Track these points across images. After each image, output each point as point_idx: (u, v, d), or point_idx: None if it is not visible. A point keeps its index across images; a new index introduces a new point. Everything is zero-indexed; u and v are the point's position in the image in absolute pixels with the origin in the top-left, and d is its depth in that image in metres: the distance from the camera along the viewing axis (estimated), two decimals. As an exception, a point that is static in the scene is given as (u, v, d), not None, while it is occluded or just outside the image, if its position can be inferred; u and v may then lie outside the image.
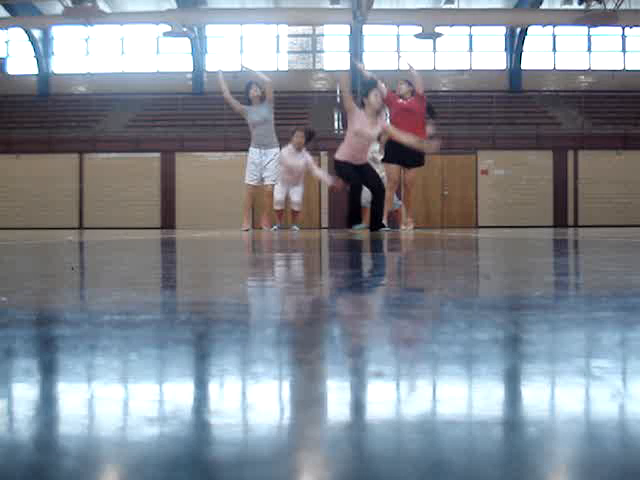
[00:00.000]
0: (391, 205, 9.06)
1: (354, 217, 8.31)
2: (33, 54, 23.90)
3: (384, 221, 8.60)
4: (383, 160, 8.95)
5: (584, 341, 0.75)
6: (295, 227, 10.56)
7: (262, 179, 9.33)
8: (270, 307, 1.13)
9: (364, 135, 7.85)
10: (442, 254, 3.01)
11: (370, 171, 8.17)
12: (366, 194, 9.57)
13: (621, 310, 0.98)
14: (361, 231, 8.04)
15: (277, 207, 10.14)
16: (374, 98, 7.81)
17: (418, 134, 8.43)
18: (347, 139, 8.06)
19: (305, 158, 9.92)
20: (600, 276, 1.67)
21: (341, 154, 8.08)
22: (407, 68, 9.05)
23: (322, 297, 1.30)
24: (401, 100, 8.77)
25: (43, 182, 19.72)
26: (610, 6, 18.71)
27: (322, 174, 10.56)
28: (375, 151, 9.51)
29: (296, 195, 10.31)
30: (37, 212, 19.59)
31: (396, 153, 8.56)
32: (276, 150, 9.37)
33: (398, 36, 23.92)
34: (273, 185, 9.47)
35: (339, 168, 8.17)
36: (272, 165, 9.32)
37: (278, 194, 9.97)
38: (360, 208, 8.45)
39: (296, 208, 10.51)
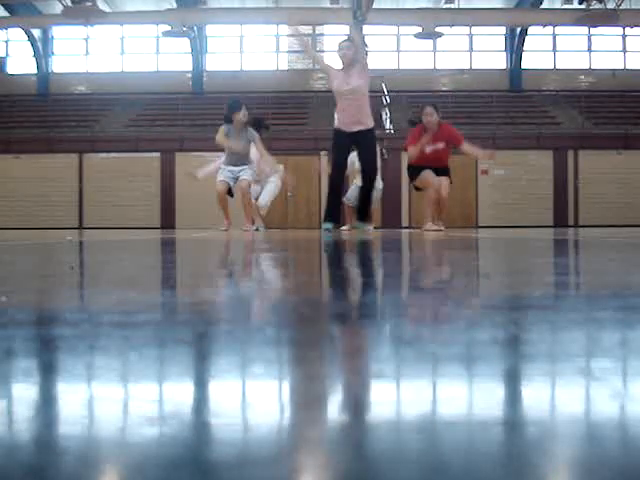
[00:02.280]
0: (431, 206, 8.69)
1: (332, 212, 7.83)
2: (33, 54, 23.91)
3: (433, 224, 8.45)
4: (412, 179, 8.69)
5: (584, 341, 0.75)
6: (260, 227, 9.64)
7: (236, 179, 8.76)
8: (270, 307, 1.13)
9: (343, 91, 7.67)
10: (442, 254, 3.01)
11: (369, 148, 7.78)
12: (353, 193, 9.41)
13: (621, 310, 0.98)
14: (328, 231, 7.43)
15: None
16: (340, 54, 7.77)
17: (443, 162, 8.45)
18: (337, 108, 7.88)
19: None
20: (600, 276, 1.67)
21: (336, 121, 7.92)
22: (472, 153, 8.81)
23: (321, 297, 1.30)
24: (428, 148, 8.36)
25: (43, 182, 19.72)
26: (610, 6, 18.71)
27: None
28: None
29: (264, 194, 9.56)
30: (37, 212, 19.59)
31: (420, 168, 8.44)
32: (247, 166, 8.82)
33: (398, 36, 23.92)
34: (248, 181, 8.81)
35: (334, 138, 7.89)
36: (248, 170, 8.81)
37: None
38: (340, 202, 8.03)
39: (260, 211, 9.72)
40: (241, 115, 8.60)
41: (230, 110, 8.65)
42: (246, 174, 8.78)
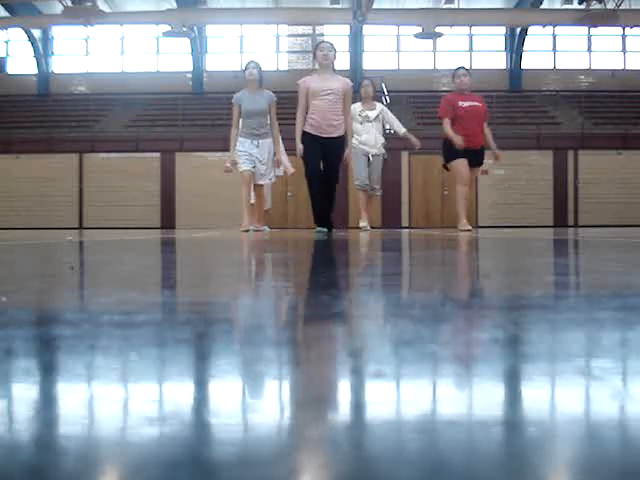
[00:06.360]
0: (463, 203, 8.48)
1: (323, 215, 7.57)
2: (33, 54, 23.91)
3: (464, 224, 8.30)
4: (446, 160, 8.37)
5: (584, 341, 0.75)
6: (266, 228, 8.85)
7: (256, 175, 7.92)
8: (270, 307, 1.13)
9: (320, 91, 7.32)
10: (442, 254, 3.01)
11: (337, 157, 7.51)
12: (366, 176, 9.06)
13: (621, 310, 0.98)
14: (321, 234, 7.06)
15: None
16: (319, 53, 7.43)
17: (479, 136, 8.21)
18: (310, 110, 7.46)
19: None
20: (600, 276, 1.67)
21: (306, 125, 7.48)
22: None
23: (321, 297, 1.30)
24: (465, 103, 8.18)
25: (43, 182, 19.73)
26: (610, 6, 18.72)
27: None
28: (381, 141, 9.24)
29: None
30: (37, 212, 19.59)
31: (458, 150, 8.12)
32: (270, 141, 7.99)
33: (398, 36, 23.92)
34: (267, 185, 8.22)
35: (304, 143, 7.51)
36: (268, 160, 7.97)
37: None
38: (330, 205, 7.64)
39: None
40: (246, 74, 7.90)
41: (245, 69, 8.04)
42: (266, 172, 8.06)
